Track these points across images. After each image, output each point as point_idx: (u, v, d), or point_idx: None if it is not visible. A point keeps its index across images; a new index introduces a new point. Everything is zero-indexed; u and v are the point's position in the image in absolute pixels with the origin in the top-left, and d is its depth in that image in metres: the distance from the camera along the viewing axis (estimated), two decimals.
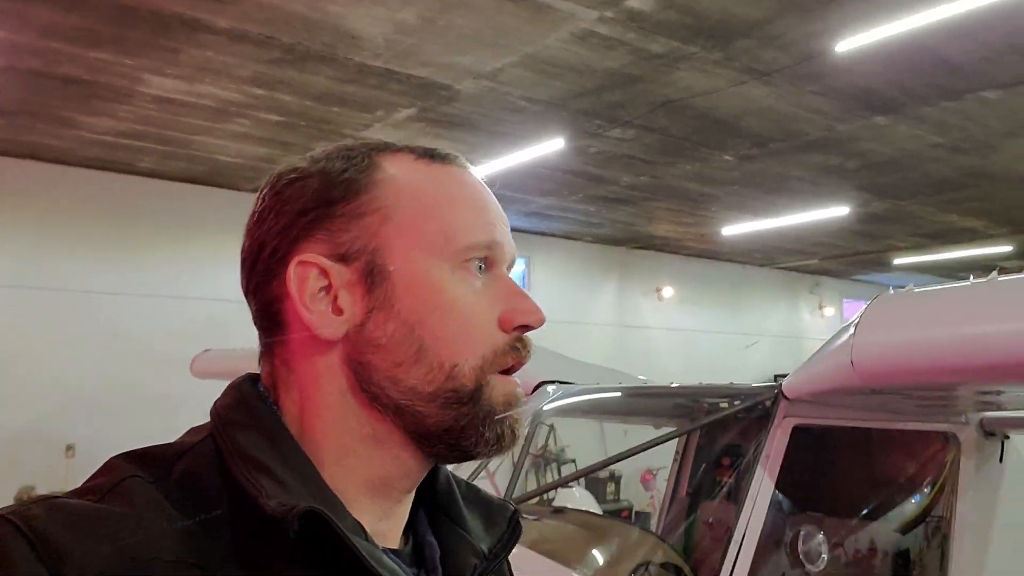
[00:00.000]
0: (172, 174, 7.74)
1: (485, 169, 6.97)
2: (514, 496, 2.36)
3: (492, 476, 3.17)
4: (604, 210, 9.26)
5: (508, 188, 8.12)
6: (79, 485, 0.64)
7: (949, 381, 1.63)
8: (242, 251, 0.73)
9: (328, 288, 0.69)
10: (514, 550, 1.99)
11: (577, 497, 4.87)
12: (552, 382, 2.92)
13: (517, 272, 10.60)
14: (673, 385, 3.03)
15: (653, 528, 3.31)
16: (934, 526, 2.25)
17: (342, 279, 0.69)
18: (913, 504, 2.30)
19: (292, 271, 0.69)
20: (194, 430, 0.70)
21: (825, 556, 2.02)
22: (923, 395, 2.02)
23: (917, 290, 1.70)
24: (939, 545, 2.23)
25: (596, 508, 5.30)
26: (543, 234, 10.55)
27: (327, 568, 0.62)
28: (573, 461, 8.81)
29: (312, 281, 0.69)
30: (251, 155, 7.15)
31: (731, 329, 12.72)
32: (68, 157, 7.20)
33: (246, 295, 0.74)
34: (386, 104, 5.84)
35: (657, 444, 2.24)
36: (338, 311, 0.69)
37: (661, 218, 9.88)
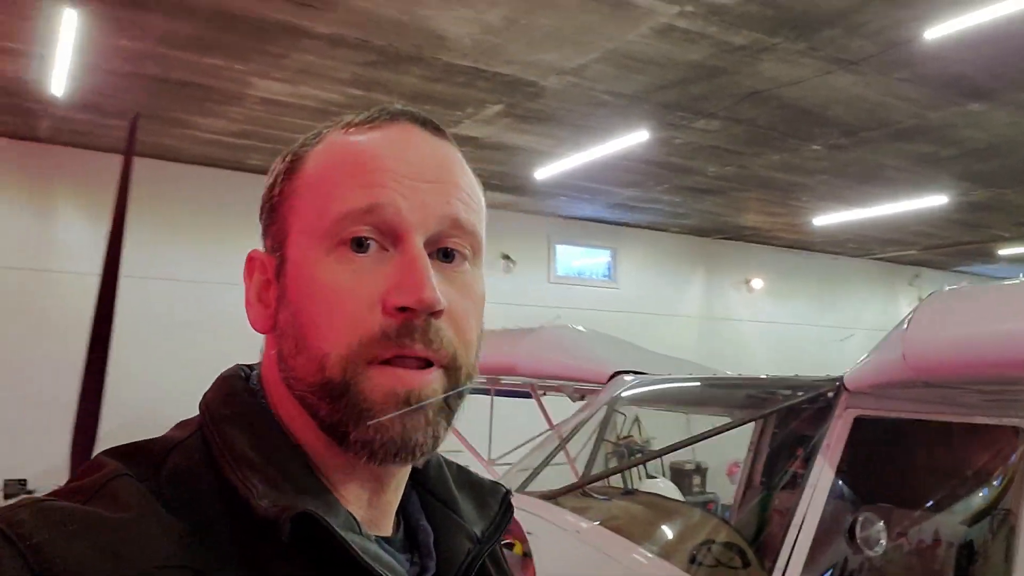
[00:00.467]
0: None
1: (572, 161, 7.09)
2: (586, 478, 2.51)
3: (572, 461, 3.33)
4: (691, 200, 9.24)
5: (593, 180, 8.23)
6: (69, 483, 0.62)
7: (999, 375, 1.69)
8: None
9: (269, 282, 0.69)
10: (585, 525, 2.15)
11: (661, 488, 4.98)
12: (626, 372, 3.05)
13: (602, 263, 10.72)
14: (743, 376, 3.12)
15: (730, 516, 3.41)
16: (1000, 519, 2.28)
17: (271, 271, 0.69)
18: (979, 497, 2.33)
19: (244, 267, 0.70)
20: (182, 424, 0.68)
21: (884, 542, 2.10)
22: (985, 389, 2.07)
23: (970, 287, 1.76)
24: (1005, 538, 2.25)
25: (678, 497, 5.39)
26: (628, 225, 10.60)
27: (323, 566, 0.60)
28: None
29: (258, 275, 0.70)
30: None
31: (824, 322, 12.43)
32: (184, 155, 7.74)
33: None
34: (474, 101, 6.06)
35: (711, 435, 2.35)
36: (268, 304, 0.69)
37: (750, 208, 9.78)
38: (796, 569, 2.04)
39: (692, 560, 2.06)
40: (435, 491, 0.76)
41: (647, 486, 5.18)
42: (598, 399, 2.98)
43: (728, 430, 2.55)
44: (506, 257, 9.74)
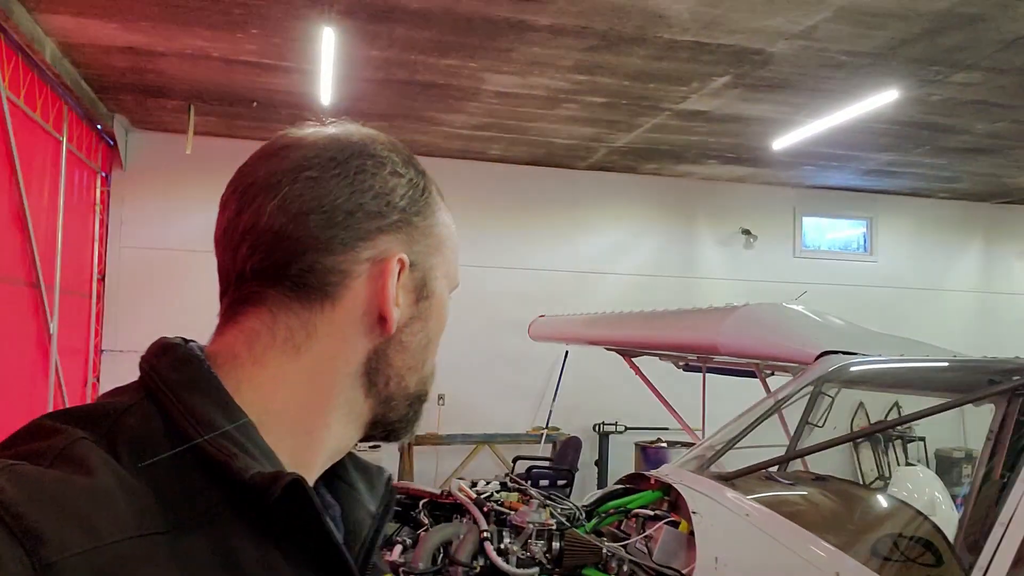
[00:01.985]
0: (517, 158, 8.64)
1: (814, 128, 6.68)
2: (767, 461, 2.43)
3: (794, 440, 3.22)
4: (958, 162, 8.26)
5: (841, 146, 7.67)
6: (14, 447, 0.62)
7: None
8: (309, 198, 0.71)
9: (405, 290, 0.77)
10: (755, 509, 2.15)
11: (920, 478, 4.61)
12: (836, 352, 2.90)
13: (856, 235, 9.92)
14: (982, 358, 2.82)
15: (962, 510, 3.11)
16: None
17: (407, 283, 0.76)
18: None
19: (393, 264, 0.74)
20: (119, 390, 0.69)
21: None
22: None
23: None
24: None
25: (940, 489, 4.95)
26: (886, 192, 9.70)
27: (289, 535, 0.65)
28: (922, 439, 8.12)
29: (396, 278, 0.75)
30: (581, 135, 7.71)
31: None
32: (436, 150, 8.41)
33: (278, 236, 0.70)
34: (700, 75, 5.94)
35: (928, 415, 2.18)
36: (397, 307, 0.76)
37: None
38: (1000, 571, 1.87)
39: (875, 554, 1.96)
40: (337, 471, 0.81)
41: (904, 475, 4.82)
42: (801, 379, 2.87)
43: (950, 408, 2.34)
44: (746, 232, 9.38)
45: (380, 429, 0.79)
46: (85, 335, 7.36)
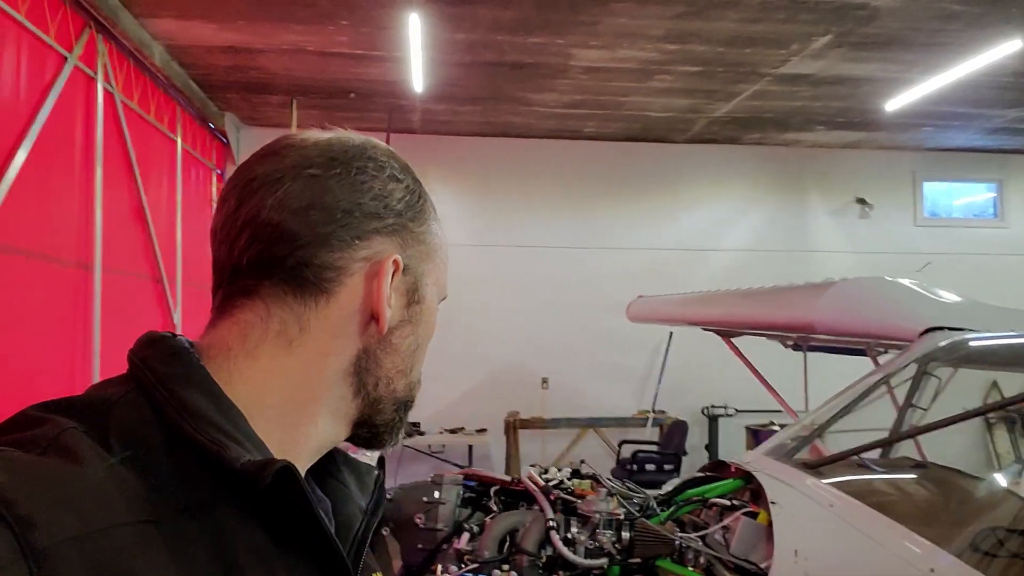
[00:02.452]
0: (612, 135, 8.46)
1: (930, 86, 6.22)
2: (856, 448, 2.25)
3: (903, 425, 3.01)
4: None
5: (962, 104, 7.10)
6: (10, 435, 0.62)
7: None
8: (311, 196, 0.73)
9: (398, 292, 0.79)
10: (841, 500, 2.02)
11: None
12: (941, 328, 2.67)
13: (987, 199, 9.18)
14: None
15: None
16: None
17: (400, 286, 0.78)
18: None
19: (389, 264, 0.76)
20: (108, 382, 0.70)
21: None
22: None
23: None
24: None
25: None
26: (1018, 152, 8.91)
27: (280, 523, 0.66)
28: None
29: (394, 282, 0.77)
30: (678, 107, 7.46)
31: None
32: (530, 131, 8.36)
33: (279, 232, 0.72)
34: (799, 36, 5.62)
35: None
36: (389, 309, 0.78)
37: None
38: None
39: (976, 549, 1.78)
40: (327, 467, 0.83)
41: None
42: (904, 357, 2.66)
43: None
44: (861, 201, 8.84)
45: (365, 430, 0.80)
46: (206, 324, 7.77)
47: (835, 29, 5.45)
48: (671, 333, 8.20)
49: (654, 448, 7.69)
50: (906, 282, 3.17)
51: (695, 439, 8.15)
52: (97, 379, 4.68)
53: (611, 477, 2.66)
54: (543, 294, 8.42)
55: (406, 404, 0.81)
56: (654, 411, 8.27)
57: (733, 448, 8.03)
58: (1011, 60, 5.78)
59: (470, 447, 7.81)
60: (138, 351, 0.71)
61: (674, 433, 7.85)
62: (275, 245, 0.71)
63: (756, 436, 7.70)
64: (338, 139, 0.78)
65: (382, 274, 0.75)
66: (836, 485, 1.96)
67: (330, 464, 0.84)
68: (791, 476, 2.03)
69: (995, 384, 5.43)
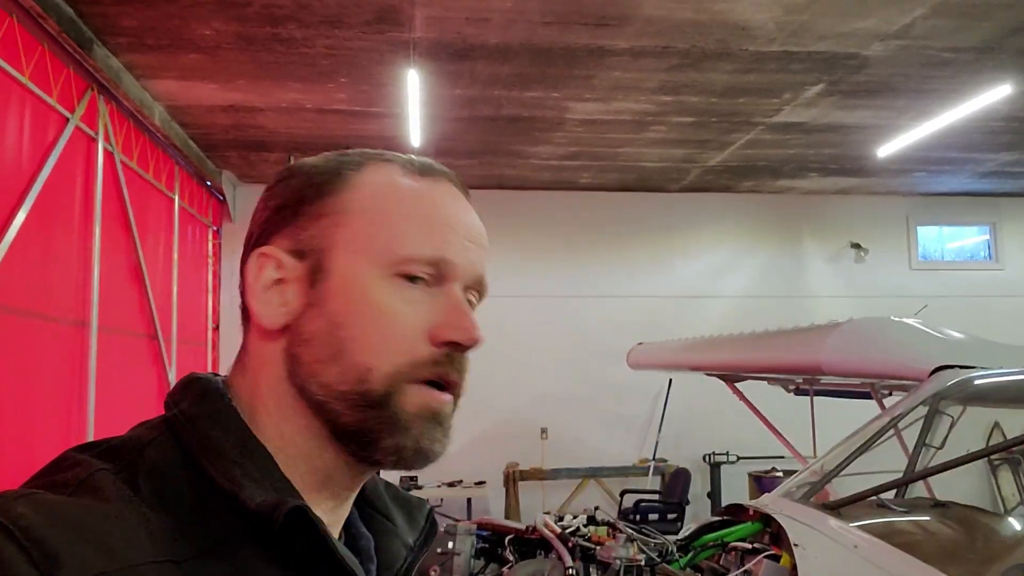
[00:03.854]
0: (607, 185, 8.55)
1: (921, 132, 6.31)
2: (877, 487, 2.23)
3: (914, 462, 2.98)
4: None
5: (954, 149, 7.21)
6: (40, 478, 0.64)
7: None
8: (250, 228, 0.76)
9: (282, 281, 0.72)
10: (865, 540, 1.98)
11: None
12: (951, 366, 2.66)
13: (980, 241, 9.26)
14: None
15: None
16: None
17: (294, 273, 0.72)
18: None
19: (251, 261, 0.73)
20: (145, 424, 0.71)
21: None
22: None
23: None
24: None
25: None
26: (1010, 195, 9.03)
27: (302, 561, 0.65)
28: None
29: (268, 272, 0.72)
30: (672, 157, 7.56)
31: None
32: (526, 183, 8.45)
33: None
34: (791, 85, 5.73)
35: None
36: (284, 303, 0.72)
37: None
38: None
39: None
40: (373, 503, 0.81)
41: None
42: (915, 397, 2.65)
43: None
44: (856, 246, 8.91)
45: (345, 443, 0.70)
46: None
47: (826, 78, 5.56)
48: (670, 380, 8.15)
49: (656, 497, 7.58)
50: (912, 321, 3.17)
51: (697, 487, 8.05)
52: (91, 437, 4.67)
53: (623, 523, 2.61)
54: (540, 344, 8.39)
55: (370, 400, 0.68)
56: (655, 459, 8.18)
57: (736, 495, 7.90)
58: (1001, 105, 5.89)
59: (469, 500, 7.68)
60: (173, 392, 0.72)
61: (676, 481, 7.75)
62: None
63: (759, 482, 7.61)
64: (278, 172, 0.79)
65: (247, 272, 0.73)
66: (859, 526, 1.92)
67: (375, 497, 0.81)
68: (812, 518, 2.00)
69: (997, 424, 5.40)
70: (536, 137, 6.93)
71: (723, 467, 8.26)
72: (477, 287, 0.76)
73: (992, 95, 5.67)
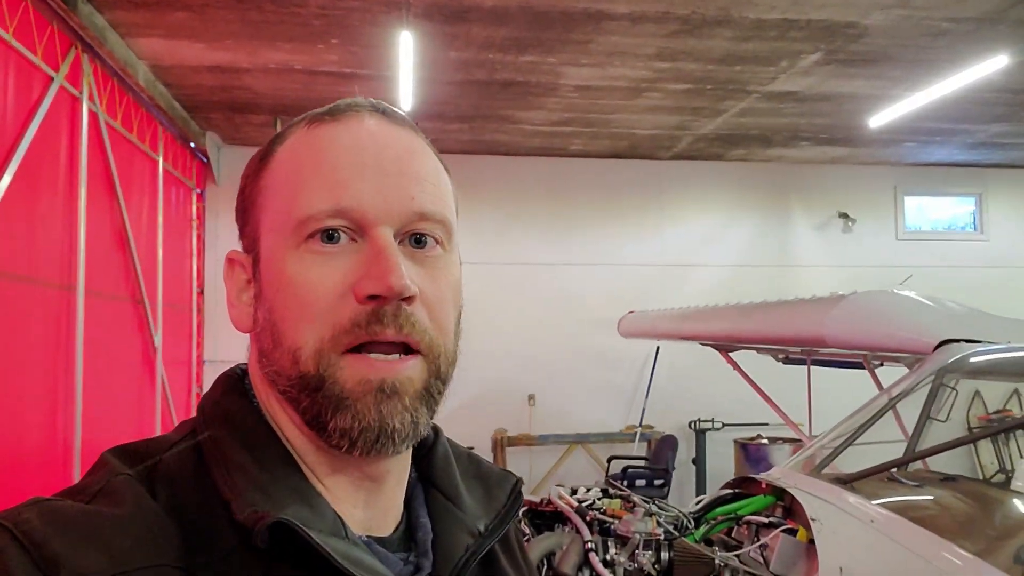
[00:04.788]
0: (599, 152, 8.49)
1: (914, 102, 6.30)
2: (892, 461, 2.25)
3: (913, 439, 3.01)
4: None
5: (945, 120, 7.22)
6: (76, 482, 0.65)
7: None
8: None
9: (250, 280, 0.70)
10: (881, 515, 1.99)
11: None
12: (956, 340, 2.68)
13: (965, 212, 9.33)
14: None
15: None
16: None
17: (249, 271, 0.70)
18: None
19: (225, 267, 0.71)
20: (181, 425, 0.70)
21: None
22: None
23: None
24: None
25: None
26: (997, 166, 9.09)
27: (304, 571, 0.61)
28: None
29: (238, 275, 0.70)
30: (664, 125, 7.51)
31: None
32: (515, 149, 8.36)
33: None
34: (789, 54, 5.68)
35: None
36: (249, 302, 0.69)
37: None
38: None
39: (1018, 560, 1.77)
40: (439, 485, 0.75)
41: None
42: (920, 371, 2.66)
43: None
44: (844, 215, 8.95)
45: (314, 431, 0.66)
46: (188, 346, 7.62)
47: (824, 47, 5.51)
48: (657, 348, 8.19)
49: (643, 463, 7.66)
50: (914, 295, 3.18)
51: (682, 454, 8.13)
52: (79, 401, 4.61)
53: (616, 487, 2.61)
54: (529, 311, 8.39)
55: (309, 384, 0.63)
56: (642, 426, 8.25)
57: (721, 462, 8.03)
58: (997, 76, 5.88)
59: None
60: (206, 392, 0.72)
61: (663, 447, 7.82)
62: None
63: (745, 449, 7.70)
64: None
65: (224, 279, 0.72)
66: (874, 500, 1.94)
67: (445, 478, 0.75)
68: (828, 492, 2.01)
69: (1016, 392, 5.48)
70: (529, 102, 6.84)
71: (708, 434, 8.36)
72: (422, 223, 0.67)
73: (988, 66, 5.66)
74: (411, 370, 0.65)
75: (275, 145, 0.70)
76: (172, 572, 0.58)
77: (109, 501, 0.60)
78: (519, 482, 0.80)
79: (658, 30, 5.27)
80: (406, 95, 6.32)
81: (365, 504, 0.69)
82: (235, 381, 0.71)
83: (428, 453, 0.77)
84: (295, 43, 5.46)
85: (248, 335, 0.72)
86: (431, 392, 0.67)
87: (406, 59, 5.60)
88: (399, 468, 0.72)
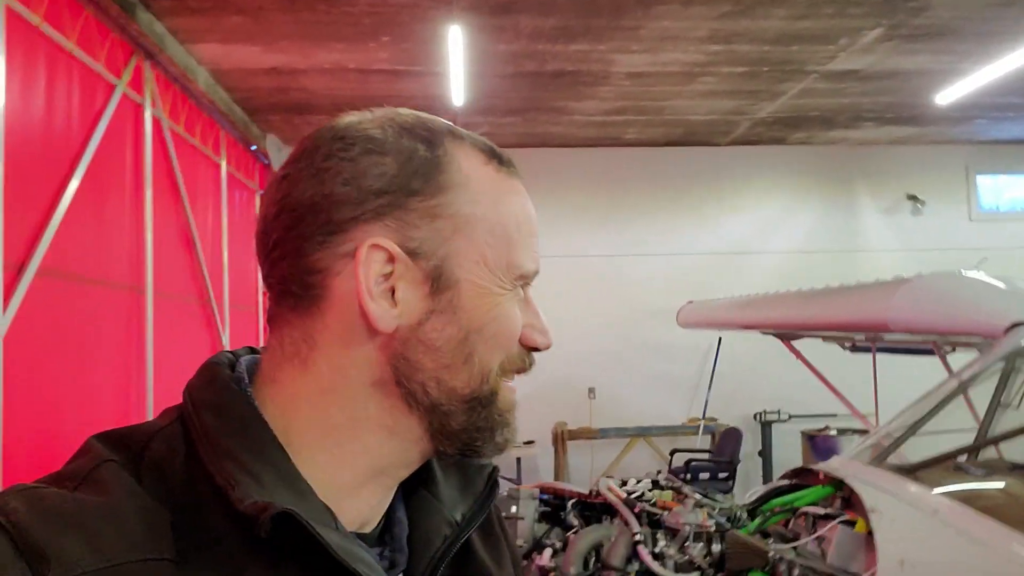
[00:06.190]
0: (654, 140, 8.37)
1: (983, 77, 6.05)
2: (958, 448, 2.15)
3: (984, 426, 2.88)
4: None
5: (1018, 94, 6.89)
6: (61, 468, 0.64)
7: None
8: (280, 199, 0.68)
9: (387, 277, 0.67)
10: (945, 506, 1.91)
11: None
12: None
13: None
14: None
15: None
16: None
17: (408, 274, 0.67)
18: None
19: (364, 252, 0.66)
20: (166, 412, 0.70)
21: None
22: None
23: None
24: None
25: None
26: None
27: (301, 561, 0.62)
28: None
29: (377, 267, 0.67)
30: (721, 110, 7.36)
31: None
32: (568, 140, 8.31)
33: (268, 249, 0.69)
34: (848, 30, 5.49)
35: None
36: (394, 304, 0.67)
37: None
38: None
39: None
40: (420, 474, 0.76)
41: None
42: (991, 354, 2.54)
43: None
44: (912, 197, 8.62)
45: (447, 442, 0.71)
46: (254, 345, 7.79)
47: (885, 22, 5.31)
48: (720, 338, 8.05)
49: (707, 456, 7.54)
50: (982, 276, 3.04)
51: (748, 446, 7.97)
52: (151, 402, 4.75)
53: (669, 479, 2.56)
54: (587, 303, 8.33)
55: (480, 401, 0.69)
56: (705, 418, 8.12)
57: (788, 454, 7.84)
58: None
59: (518, 459, 7.72)
60: (191, 379, 0.70)
61: (727, 440, 7.68)
62: (264, 263, 0.70)
63: (812, 441, 7.51)
64: (320, 128, 0.71)
65: (357, 265, 0.65)
66: (937, 490, 1.85)
67: (424, 473, 0.76)
68: (888, 482, 1.93)
69: None
70: (581, 92, 6.78)
71: (774, 425, 8.17)
72: None
73: None
74: None
75: (436, 151, 0.70)
76: (162, 564, 0.58)
77: (96, 489, 0.59)
78: (496, 469, 0.82)
79: (709, 12, 5.16)
80: (457, 90, 6.33)
81: (376, 501, 0.72)
82: (222, 368, 0.71)
83: None
84: (347, 43, 5.53)
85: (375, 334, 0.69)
86: None
87: (456, 54, 5.61)
88: None
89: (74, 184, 4.07)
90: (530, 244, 0.74)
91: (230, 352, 0.74)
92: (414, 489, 0.76)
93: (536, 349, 0.75)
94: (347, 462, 0.68)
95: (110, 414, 4.44)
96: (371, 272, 0.66)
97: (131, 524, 0.58)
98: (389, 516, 0.75)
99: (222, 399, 0.67)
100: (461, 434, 0.70)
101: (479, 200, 0.70)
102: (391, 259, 0.67)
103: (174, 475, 0.63)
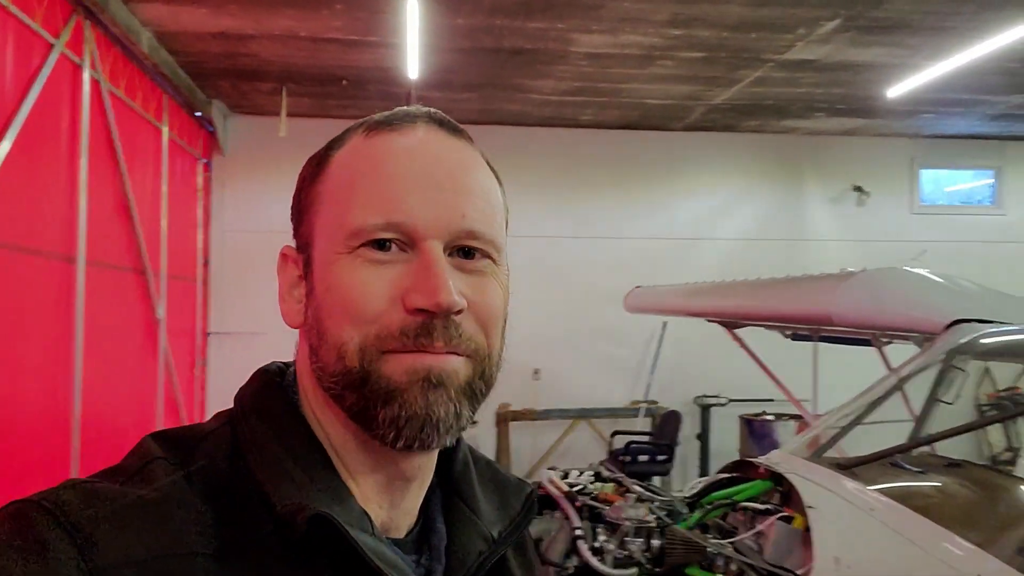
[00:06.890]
0: (610, 122, 8.34)
1: (934, 72, 6.13)
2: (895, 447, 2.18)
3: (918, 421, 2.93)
4: None
5: (965, 90, 7.03)
6: (120, 462, 0.66)
7: None
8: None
9: (300, 277, 0.73)
10: (882, 503, 1.92)
11: None
12: (970, 320, 2.59)
13: (984, 185, 9.14)
14: None
15: None
16: None
17: (300, 269, 0.73)
18: None
19: (278, 262, 0.74)
20: (218, 415, 0.73)
21: None
22: None
23: None
24: None
25: None
26: (1018, 138, 8.86)
27: (337, 565, 0.63)
28: None
29: (291, 271, 0.73)
30: (677, 94, 7.35)
31: None
32: (525, 119, 8.22)
33: None
34: (806, 21, 5.52)
35: None
36: (299, 299, 0.72)
37: None
38: None
39: (1022, 553, 1.70)
40: (459, 489, 0.77)
41: None
42: (931, 352, 2.58)
43: None
44: (858, 189, 8.77)
45: (358, 423, 0.68)
46: (192, 318, 7.60)
47: (844, 12, 5.34)
48: (664, 323, 8.11)
49: (647, 438, 7.62)
50: (926, 273, 3.09)
51: (687, 429, 8.08)
52: (79, 375, 4.58)
53: (611, 469, 2.56)
54: (535, 283, 8.29)
55: (343, 378, 0.66)
56: (646, 401, 8.19)
57: (726, 437, 7.98)
58: (1021, 45, 5.69)
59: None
60: (243, 385, 0.74)
61: (667, 423, 7.78)
62: None
63: (750, 425, 7.65)
64: None
65: (278, 270, 0.74)
66: (874, 487, 1.87)
67: (463, 483, 0.77)
68: (826, 478, 1.94)
69: (987, 371, 5.35)
70: (538, 71, 6.70)
71: (713, 409, 8.30)
72: (471, 240, 0.70)
73: (1013, 34, 5.48)
74: (456, 364, 0.67)
75: (332, 150, 0.73)
76: (205, 560, 0.60)
77: (146, 486, 0.62)
78: (534, 491, 0.83)
79: None
80: (413, 63, 6.20)
81: (390, 505, 0.72)
82: (275, 376, 0.74)
83: (449, 458, 0.79)
84: (299, 8, 5.35)
85: (298, 332, 0.75)
86: (474, 389, 0.69)
87: (412, 25, 5.48)
88: (427, 468, 0.75)
89: (4, 147, 3.87)
90: (375, 197, 0.67)
91: (282, 362, 0.77)
92: (453, 503, 0.76)
93: (425, 313, 0.65)
94: (349, 461, 0.71)
95: (36, 384, 4.28)
96: (285, 277, 0.74)
97: (176, 519, 0.61)
98: (428, 525, 0.75)
99: (269, 405, 0.71)
100: (359, 415, 0.67)
101: (335, 175, 0.71)
102: (295, 261, 0.73)
103: (220, 476, 0.65)
